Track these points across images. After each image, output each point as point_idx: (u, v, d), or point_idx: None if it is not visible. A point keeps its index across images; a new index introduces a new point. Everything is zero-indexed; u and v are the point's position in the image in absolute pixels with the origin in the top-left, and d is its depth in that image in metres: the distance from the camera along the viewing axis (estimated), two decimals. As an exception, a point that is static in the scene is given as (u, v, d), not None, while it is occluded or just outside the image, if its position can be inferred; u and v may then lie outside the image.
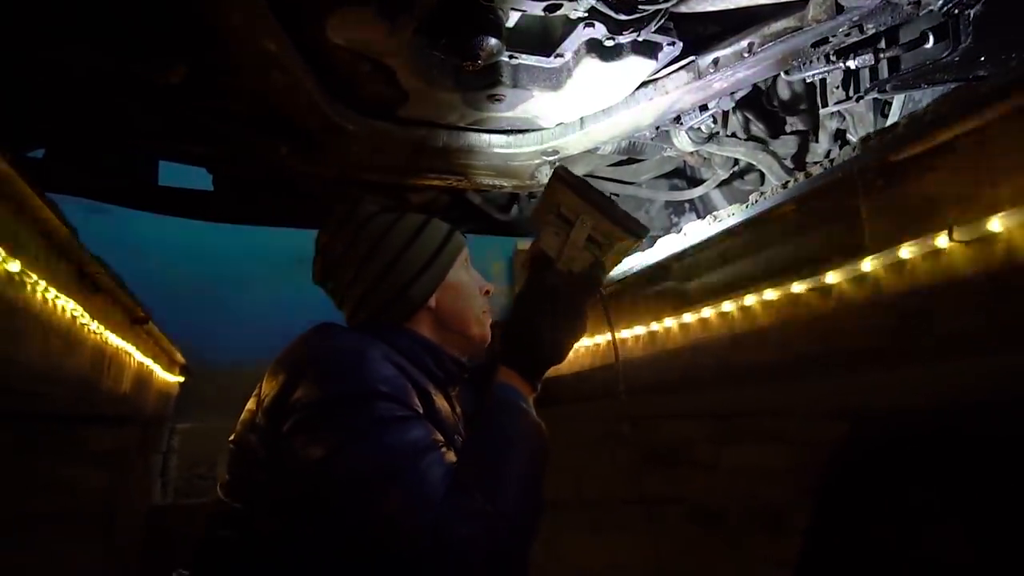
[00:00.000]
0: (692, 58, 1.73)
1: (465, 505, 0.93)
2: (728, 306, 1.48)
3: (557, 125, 2.01)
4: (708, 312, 1.56)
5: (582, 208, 1.12)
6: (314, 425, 0.99)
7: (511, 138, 2.09)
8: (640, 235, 1.15)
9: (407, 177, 2.23)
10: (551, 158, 2.14)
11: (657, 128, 2.08)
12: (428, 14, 1.49)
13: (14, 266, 1.22)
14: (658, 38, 1.61)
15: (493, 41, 1.48)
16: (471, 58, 1.51)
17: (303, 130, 1.93)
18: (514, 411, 1.03)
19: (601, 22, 1.53)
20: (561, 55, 1.67)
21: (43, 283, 1.39)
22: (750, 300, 1.40)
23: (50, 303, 1.46)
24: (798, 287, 1.26)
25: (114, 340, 2.08)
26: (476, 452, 1.00)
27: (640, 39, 1.61)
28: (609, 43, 1.61)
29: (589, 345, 2.13)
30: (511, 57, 1.64)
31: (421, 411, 1.05)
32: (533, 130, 2.04)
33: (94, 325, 1.82)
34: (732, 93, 1.85)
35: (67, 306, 1.58)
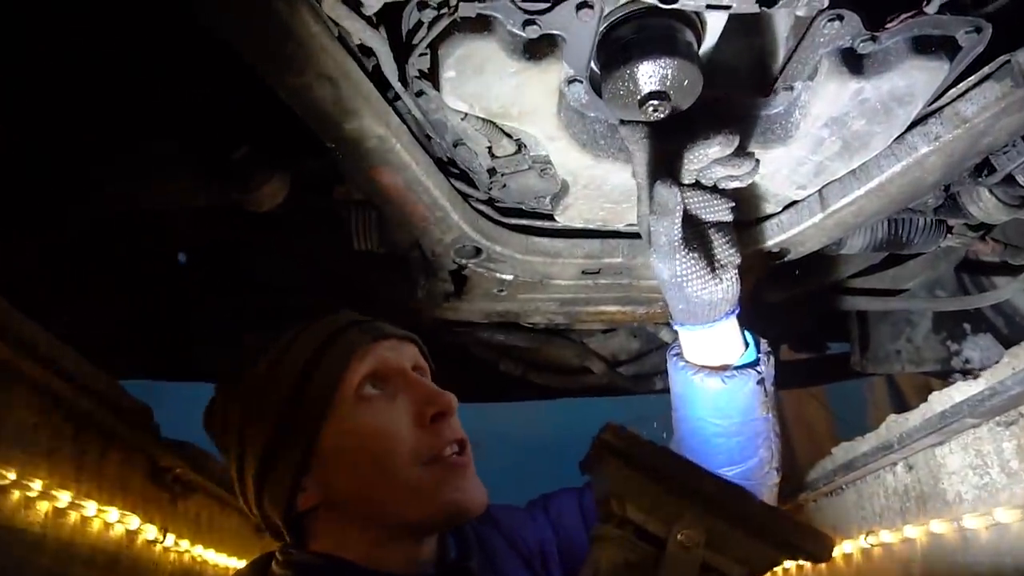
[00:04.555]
0: (1006, 56, 1.08)
1: None
2: None
3: (784, 208, 1.39)
4: None
5: (676, 510, 0.59)
6: None
7: (716, 240, 1.50)
8: (821, 556, 0.65)
9: (579, 313, 1.68)
10: (777, 262, 1.50)
11: (946, 190, 1.37)
12: (579, 55, 1.00)
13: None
14: (949, 25, 1.00)
15: (683, 65, 0.95)
16: (654, 96, 0.98)
17: (438, 263, 1.48)
18: None
19: (854, 11, 0.96)
20: (790, 86, 1.10)
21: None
22: None
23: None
24: None
25: (216, 558, 1.60)
26: None
27: (915, 32, 1.01)
28: (867, 47, 1.02)
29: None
30: (712, 100, 1.08)
31: None
32: (747, 222, 1.42)
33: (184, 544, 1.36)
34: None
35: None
